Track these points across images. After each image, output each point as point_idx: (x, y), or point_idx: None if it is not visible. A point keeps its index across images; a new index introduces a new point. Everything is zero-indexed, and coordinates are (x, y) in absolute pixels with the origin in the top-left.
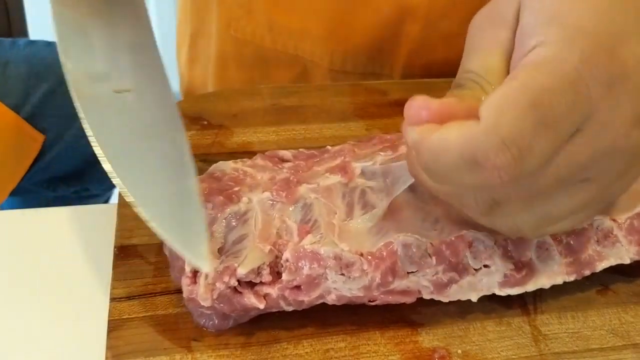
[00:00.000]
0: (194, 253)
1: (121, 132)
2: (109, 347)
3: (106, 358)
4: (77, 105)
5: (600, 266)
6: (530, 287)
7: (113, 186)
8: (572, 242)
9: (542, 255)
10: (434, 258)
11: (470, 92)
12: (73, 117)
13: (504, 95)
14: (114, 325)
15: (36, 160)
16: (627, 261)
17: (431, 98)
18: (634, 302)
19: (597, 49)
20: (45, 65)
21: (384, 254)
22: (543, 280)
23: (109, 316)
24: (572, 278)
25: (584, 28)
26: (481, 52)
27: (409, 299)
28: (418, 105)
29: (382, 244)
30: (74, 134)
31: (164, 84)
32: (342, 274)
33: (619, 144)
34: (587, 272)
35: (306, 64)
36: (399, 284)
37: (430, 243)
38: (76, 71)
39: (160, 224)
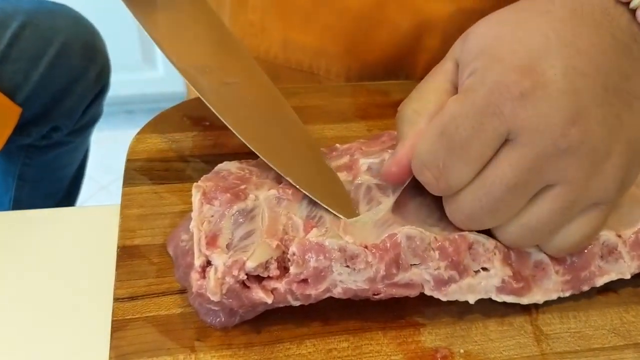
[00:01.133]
0: (344, 211)
1: (247, 114)
2: (112, 347)
3: (110, 358)
4: (199, 94)
5: (601, 281)
6: (525, 300)
7: (82, 127)
8: (575, 260)
9: (539, 274)
10: (437, 252)
11: (414, 126)
12: (37, 57)
13: (429, 125)
14: (118, 326)
15: None
16: (628, 276)
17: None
18: (635, 302)
19: (510, 70)
20: (5, 14)
21: (388, 245)
22: (538, 297)
23: (112, 316)
24: (567, 294)
25: (501, 55)
26: (422, 93)
27: (412, 292)
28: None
29: (386, 235)
30: (40, 73)
31: (260, 73)
32: (347, 266)
33: (560, 144)
34: (586, 288)
35: (321, 80)
36: (402, 276)
37: (435, 237)
38: (184, 65)
39: (304, 185)
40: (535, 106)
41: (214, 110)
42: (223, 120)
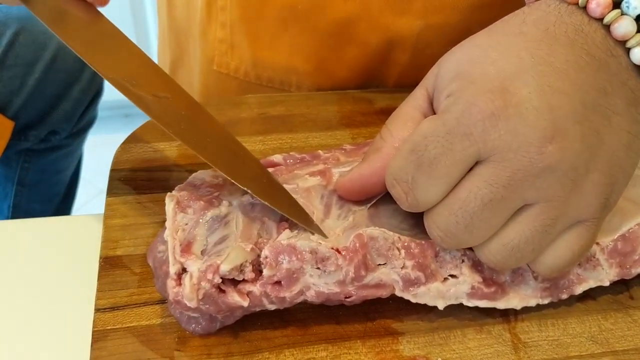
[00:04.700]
0: (312, 227)
1: (186, 127)
2: (92, 358)
3: None
4: (136, 104)
5: (580, 289)
6: (501, 305)
7: (80, 131)
8: None
9: (517, 279)
10: (402, 251)
11: (377, 151)
12: (33, 62)
13: (403, 142)
14: (98, 336)
15: (4, 113)
16: (607, 284)
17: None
18: (614, 309)
19: (483, 91)
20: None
21: (357, 245)
22: (515, 302)
23: (93, 327)
24: (546, 301)
25: (475, 77)
26: (392, 120)
27: (384, 292)
28: (343, 184)
29: (354, 235)
30: (36, 77)
31: (186, 92)
32: (318, 268)
33: (537, 162)
34: (565, 296)
35: None
36: (371, 277)
37: (398, 237)
38: (114, 76)
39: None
40: (508, 125)
41: (156, 121)
42: (165, 129)
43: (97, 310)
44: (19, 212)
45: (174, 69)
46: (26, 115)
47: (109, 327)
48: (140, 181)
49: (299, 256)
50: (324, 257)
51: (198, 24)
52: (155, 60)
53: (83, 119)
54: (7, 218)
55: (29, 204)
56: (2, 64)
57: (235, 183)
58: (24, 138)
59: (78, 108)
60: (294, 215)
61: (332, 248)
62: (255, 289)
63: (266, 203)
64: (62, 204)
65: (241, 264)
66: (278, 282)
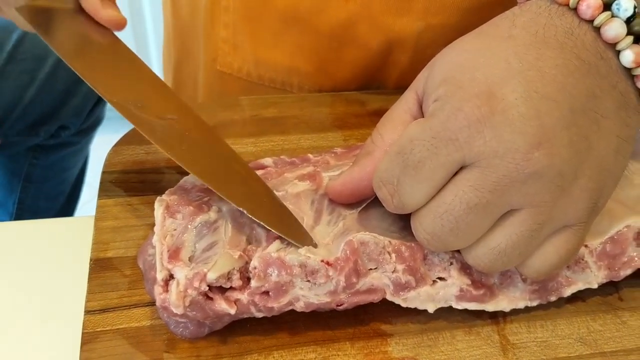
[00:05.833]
0: (301, 240)
1: (190, 148)
2: None
3: None
4: (138, 128)
5: (568, 291)
6: (489, 307)
7: (88, 128)
8: None
9: (505, 282)
10: (393, 255)
11: (368, 155)
12: (43, 58)
13: (390, 145)
14: (88, 338)
15: (14, 108)
16: (595, 286)
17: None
18: (603, 310)
19: (470, 97)
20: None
21: (348, 252)
22: (504, 304)
23: (83, 329)
24: (535, 303)
25: (462, 82)
26: (383, 123)
27: (375, 297)
28: (334, 187)
29: (344, 242)
30: (46, 72)
31: (194, 112)
32: (308, 281)
33: (524, 168)
34: (553, 298)
35: None
36: (363, 282)
37: (389, 241)
38: (121, 102)
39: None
40: (494, 131)
41: (156, 144)
42: (167, 154)
43: (87, 312)
44: (23, 209)
45: (179, 68)
46: (36, 109)
47: (98, 329)
48: (132, 183)
49: (288, 270)
50: (313, 270)
51: (202, 24)
52: (159, 59)
53: (92, 116)
54: (12, 214)
55: (34, 201)
56: (13, 58)
57: (233, 204)
58: (34, 134)
59: (87, 104)
60: (290, 236)
61: (322, 261)
62: (243, 297)
63: (262, 224)
64: (66, 204)
65: (229, 272)
66: (266, 292)
